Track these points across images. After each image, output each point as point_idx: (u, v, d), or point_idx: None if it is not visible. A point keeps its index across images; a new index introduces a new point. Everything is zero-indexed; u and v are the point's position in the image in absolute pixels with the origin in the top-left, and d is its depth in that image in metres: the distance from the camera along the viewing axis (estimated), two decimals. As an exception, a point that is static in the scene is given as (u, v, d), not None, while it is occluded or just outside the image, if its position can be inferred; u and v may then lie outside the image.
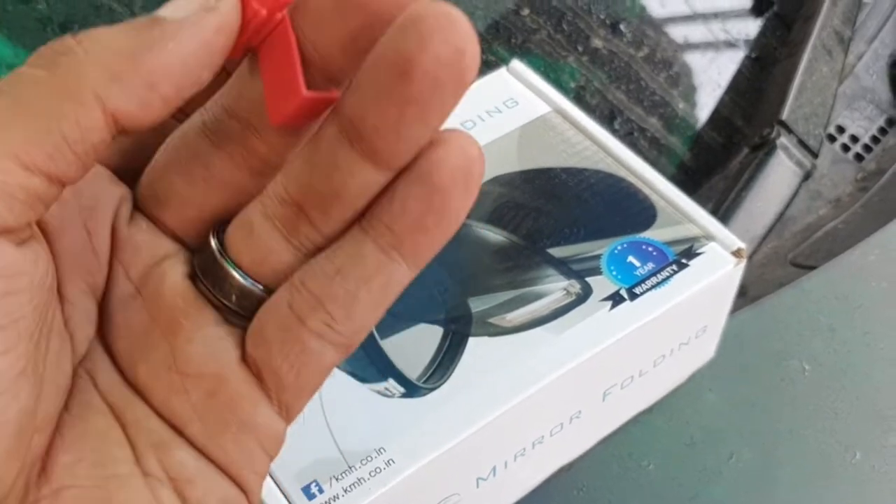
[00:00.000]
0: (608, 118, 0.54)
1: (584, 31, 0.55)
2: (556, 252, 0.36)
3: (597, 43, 0.55)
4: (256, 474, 0.20)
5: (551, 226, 0.37)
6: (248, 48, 0.18)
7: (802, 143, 0.50)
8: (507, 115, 0.41)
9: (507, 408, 0.32)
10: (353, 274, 0.18)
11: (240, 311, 0.19)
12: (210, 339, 0.19)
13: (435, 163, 0.17)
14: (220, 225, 0.20)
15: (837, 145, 0.60)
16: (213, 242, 0.19)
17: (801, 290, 0.46)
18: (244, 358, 0.19)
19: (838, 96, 0.58)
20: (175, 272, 0.20)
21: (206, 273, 0.20)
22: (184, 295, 0.20)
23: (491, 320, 0.34)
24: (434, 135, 0.17)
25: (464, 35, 0.16)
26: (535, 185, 0.39)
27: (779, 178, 0.49)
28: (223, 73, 0.19)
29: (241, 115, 0.19)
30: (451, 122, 0.44)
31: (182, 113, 0.20)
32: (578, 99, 0.54)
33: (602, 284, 0.35)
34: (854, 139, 0.61)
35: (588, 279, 0.35)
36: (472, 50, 0.16)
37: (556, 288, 0.35)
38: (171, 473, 0.19)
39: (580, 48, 0.55)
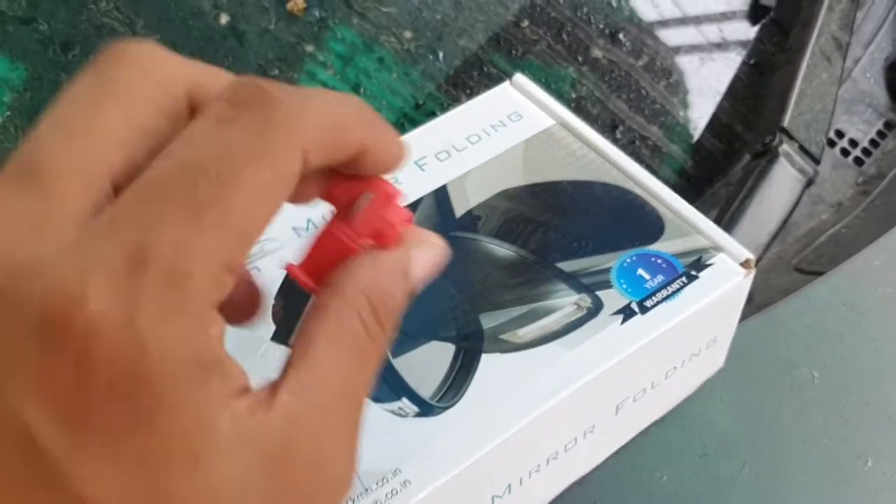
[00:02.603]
0: (610, 127, 0.54)
1: (584, 41, 0.55)
2: (566, 266, 0.36)
3: (596, 53, 0.55)
4: None
5: (560, 240, 0.37)
6: None
7: (804, 150, 0.50)
8: (511, 128, 0.41)
9: (522, 425, 0.32)
10: None
11: None
12: None
13: None
14: None
15: (837, 150, 0.61)
16: None
17: (807, 298, 0.46)
18: None
19: (836, 101, 0.58)
20: None
21: None
22: None
23: (503, 336, 0.34)
24: None
25: None
26: (541, 198, 0.39)
27: (782, 185, 0.49)
28: None
29: None
30: (456, 138, 0.43)
31: None
32: (579, 109, 0.54)
33: (613, 298, 0.35)
34: (853, 143, 0.61)
35: (598, 293, 0.35)
36: None
37: (566, 302, 0.35)
38: None
39: (580, 58, 0.55)
